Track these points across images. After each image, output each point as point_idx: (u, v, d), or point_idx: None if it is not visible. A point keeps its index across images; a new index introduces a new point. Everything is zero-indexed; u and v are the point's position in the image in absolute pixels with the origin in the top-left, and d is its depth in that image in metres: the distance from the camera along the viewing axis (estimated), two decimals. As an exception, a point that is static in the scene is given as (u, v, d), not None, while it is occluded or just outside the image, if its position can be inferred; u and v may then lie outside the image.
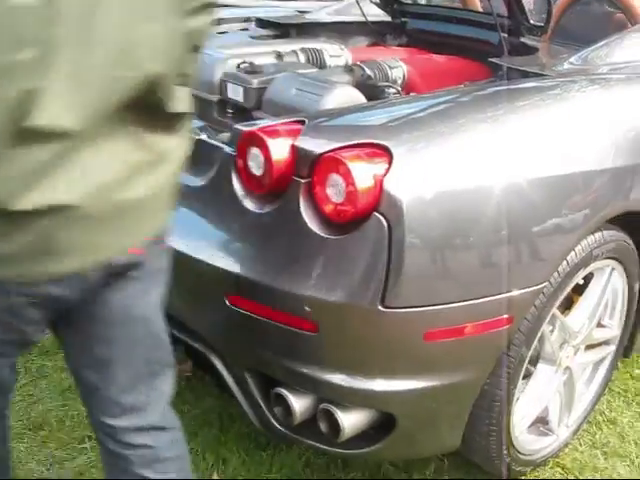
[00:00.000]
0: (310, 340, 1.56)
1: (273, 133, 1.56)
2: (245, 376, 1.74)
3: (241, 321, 1.65)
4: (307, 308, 1.52)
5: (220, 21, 3.00)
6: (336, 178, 1.46)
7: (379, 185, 1.45)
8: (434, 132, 1.63)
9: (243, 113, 2.25)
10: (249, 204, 1.61)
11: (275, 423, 1.75)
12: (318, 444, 1.74)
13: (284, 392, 1.67)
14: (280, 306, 1.57)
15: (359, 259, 1.48)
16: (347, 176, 1.44)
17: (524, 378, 1.93)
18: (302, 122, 1.62)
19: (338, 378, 1.59)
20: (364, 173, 1.45)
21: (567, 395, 2.09)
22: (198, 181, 1.72)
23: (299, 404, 1.67)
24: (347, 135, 1.57)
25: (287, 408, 1.69)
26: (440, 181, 1.55)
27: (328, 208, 1.49)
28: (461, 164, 1.61)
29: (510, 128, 1.73)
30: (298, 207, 1.52)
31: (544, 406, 2.05)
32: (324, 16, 3.01)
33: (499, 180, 1.61)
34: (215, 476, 2.06)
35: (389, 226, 1.46)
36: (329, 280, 1.51)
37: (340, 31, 2.92)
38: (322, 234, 1.51)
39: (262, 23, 2.98)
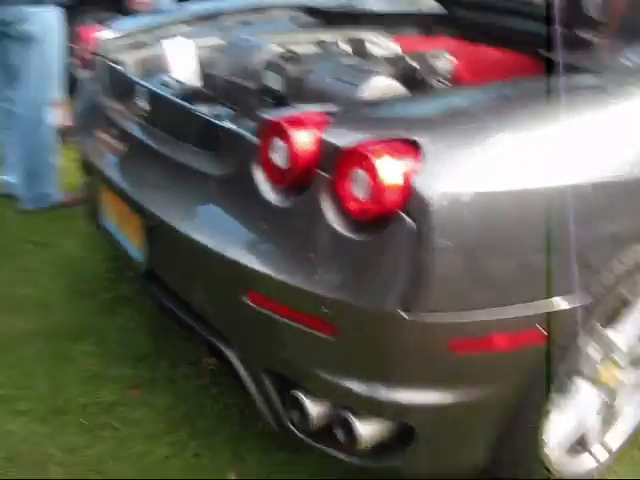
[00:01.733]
0: (328, 343, 1.48)
1: (298, 124, 1.47)
2: (262, 376, 1.67)
3: (259, 319, 1.58)
4: (325, 309, 1.44)
5: (267, 8, 2.93)
6: (360, 174, 1.37)
7: (407, 183, 1.36)
8: (474, 128, 1.52)
9: (281, 102, 2.17)
10: (271, 197, 1.53)
11: (291, 426, 1.67)
12: (335, 451, 1.66)
13: (300, 396, 1.59)
14: (298, 306, 1.49)
15: (382, 261, 1.39)
16: (372, 172, 1.35)
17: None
18: (332, 113, 1.53)
19: (356, 385, 1.50)
20: (390, 169, 1.35)
21: (608, 416, 1.95)
22: (220, 170, 1.65)
23: (315, 409, 1.59)
24: (377, 128, 1.48)
25: (303, 412, 1.61)
26: (476, 181, 1.44)
27: (351, 205, 1.40)
28: (502, 164, 1.49)
29: (560, 128, 1.61)
30: (321, 203, 1.44)
31: (582, 427, 1.92)
32: (372, 6, 2.91)
33: (543, 183, 1.49)
34: (232, 475, 2.01)
35: (416, 227, 1.36)
36: (350, 281, 1.42)
37: (388, 22, 2.81)
38: (344, 232, 1.42)
39: (310, 11, 2.90)
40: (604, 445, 1.99)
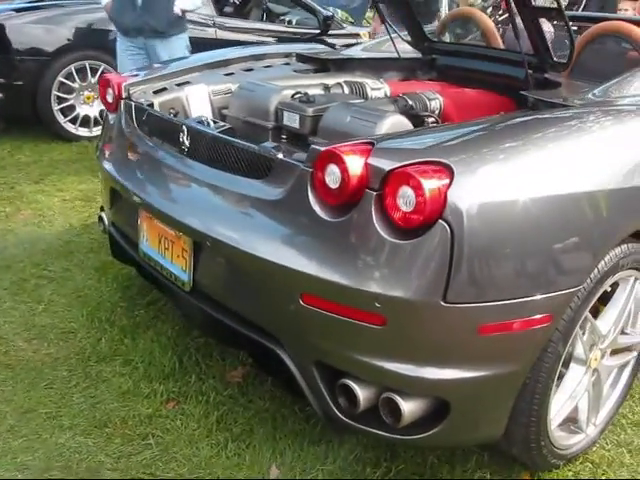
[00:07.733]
0: (378, 333, 1.77)
1: (349, 151, 1.79)
2: (311, 369, 1.94)
3: (312, 318, 1.86)
4: (378, 304, 1.73)
5: (263, 56, 3.26)
6: (406, 190, 1.69)
7: (443, 196, 1.68)
8: (486, 152, 1.86)
9: (297, 139, 2.48)
10: (323, 214, 1.83)
11: (338, 413, 1.94)
12: (378, 431, 1.93)
13: (350, 383, 1.87)
14: (352, 303, 1.78)
15: (425, 260, 1.70)
16: (418, 188, 1.67)
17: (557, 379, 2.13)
18: (371, 144, 1.85)
19: (402, 368, 1.79)
20: (431, 186, 1.68)
21: (595, 395, 2.29)
22: (275, 194, 1.94)
23: (364, 393, 1.87)
24: (412, 154, 1.81)
25: (351, 398, 1.89)
26: (497, 192, 1.78)
27: (397, 216, 1.72)
28: (515, 178, 1.85)
29: (545, 151, 1.96)
30: (370, 215, 1.75)
31: (574, 405, 2.25)
32: (359, 53, 3.28)
33: (540, 195, 1.84)
34: (274, 468, 2.25)
35: (451, 231, 1.68)
36: (397, 279, 1.72)
37: (374, 66, 3.18)
38: (391, 239, 1.73)
39: (302, 58, 3.24)
40: (592, 422, 2.32)
